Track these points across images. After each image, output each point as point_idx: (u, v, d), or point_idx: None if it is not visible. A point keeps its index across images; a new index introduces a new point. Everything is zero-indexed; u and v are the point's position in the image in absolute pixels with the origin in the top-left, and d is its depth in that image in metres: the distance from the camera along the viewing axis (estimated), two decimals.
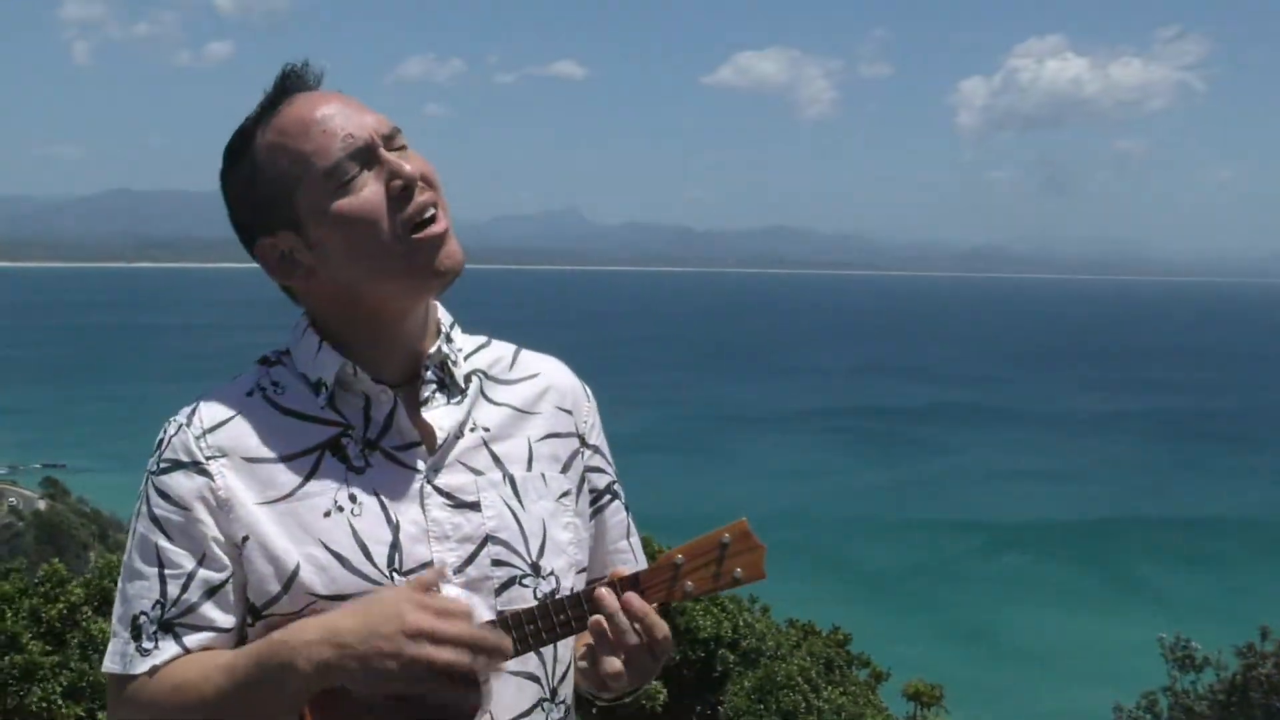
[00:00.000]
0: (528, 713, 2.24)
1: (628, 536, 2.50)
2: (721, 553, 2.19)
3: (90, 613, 8.56)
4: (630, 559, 2.46)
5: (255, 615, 2.14)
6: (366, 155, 2.14)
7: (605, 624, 2.12)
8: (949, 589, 68.38)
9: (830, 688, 11.59)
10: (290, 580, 2.11)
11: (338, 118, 2.14)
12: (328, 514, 2.15)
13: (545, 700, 2.28)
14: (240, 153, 2.20)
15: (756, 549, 2.20)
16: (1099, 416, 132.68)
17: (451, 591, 2.11)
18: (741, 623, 12.23)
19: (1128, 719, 16.19)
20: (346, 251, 2.15)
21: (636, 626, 2.13)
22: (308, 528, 2.14)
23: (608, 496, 2.45)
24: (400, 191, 2.13)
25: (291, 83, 2.21)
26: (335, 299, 2.22)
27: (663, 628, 2.14)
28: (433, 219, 2.15)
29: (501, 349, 2.44)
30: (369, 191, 2.12)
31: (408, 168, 2.14)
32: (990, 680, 50.45)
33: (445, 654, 1.98)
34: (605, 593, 2.14)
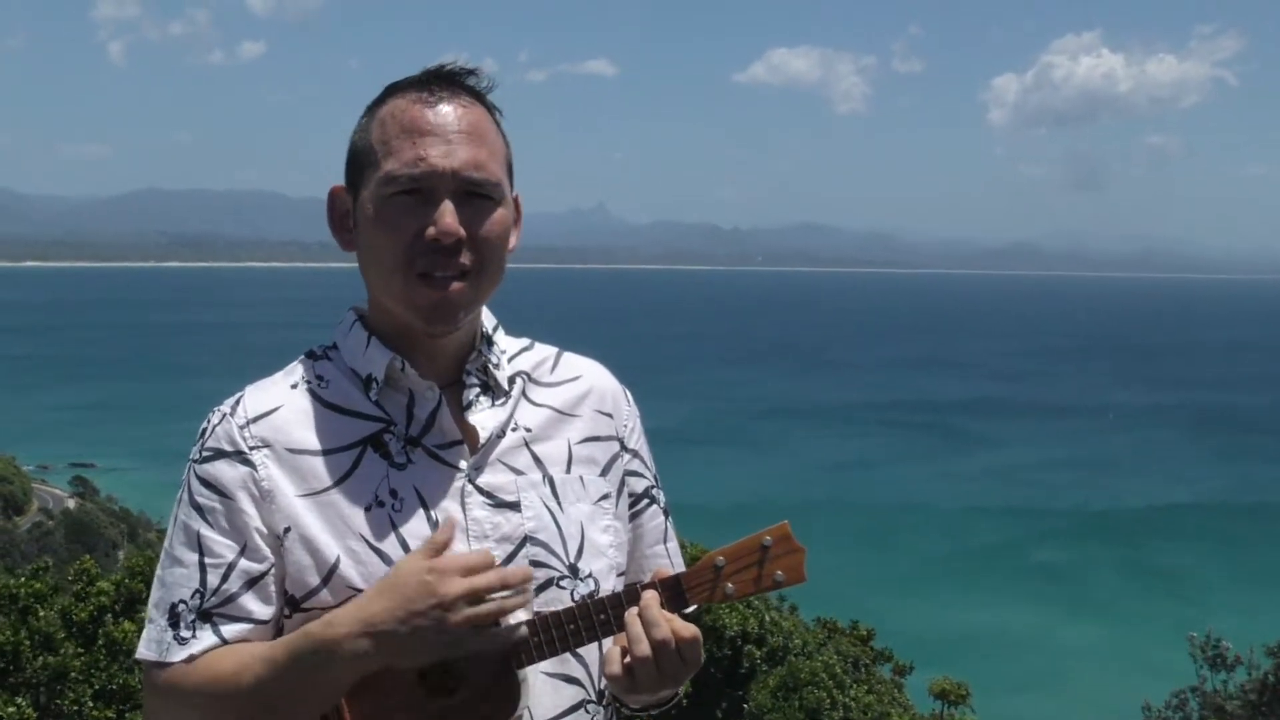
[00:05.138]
0: (568, 713, 2.25)
1: (665, 541, 2.50)
2: (763, 555, 2.20)
3: (113, 618, 8.54)
4: (667, 564, 2.45)
5: (294, 607, 2.16)
6: (428, 186, 2.15)
7: (638, 621, 2.13)
8: (988, 578, 68.20)
9: (856, 686, 11.55)
10: (330, 573, 2.14)
11: (433, 137, 2.16)
12: (369, 509, 2.16)
13: (589, 702, 2.29)
14: (378, 101, 2.25)
15: (797, 551, 2.21)
16: (1136, 410, 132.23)
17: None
18: (768, 619, 12.19)
19: (1156, 719, 16.09)
20: (366, 251, 2.21)
21: (664, 625, 2.12)
22: (348, 521, 2.15)
23: (645, 501, 2.46)
24: (430, 242, 2.15)
25: (438, 77, 2.24)
26: (368, 284, 2.27)
27: (689, 629, 2.15)
28: (443, 281, 2.17)
29: (544, 351, 2.46)
30: (406, 221, 2.16)
31: (448, 222, 2.14)
32: (1021, 674, 50.25)
33: (488, 608, 2.02)
34: (647, 594, 2.16)
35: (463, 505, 2.21)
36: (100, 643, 8.35)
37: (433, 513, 2.19)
